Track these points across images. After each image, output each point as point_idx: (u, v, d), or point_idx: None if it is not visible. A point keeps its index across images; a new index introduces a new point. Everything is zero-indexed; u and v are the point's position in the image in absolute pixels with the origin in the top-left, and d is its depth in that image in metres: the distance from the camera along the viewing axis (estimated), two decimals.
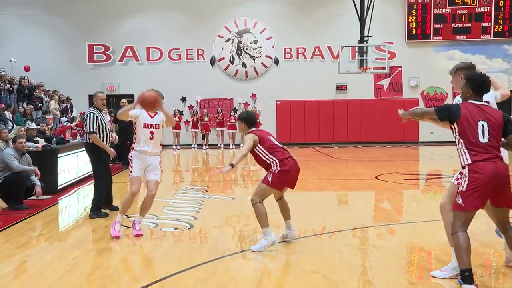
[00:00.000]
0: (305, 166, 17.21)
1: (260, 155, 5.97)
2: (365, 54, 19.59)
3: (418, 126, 22.31)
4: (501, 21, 21.95)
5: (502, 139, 4.48)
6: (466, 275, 4.20)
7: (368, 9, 19.38)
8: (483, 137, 4.42)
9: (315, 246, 6.66)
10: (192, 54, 22.38)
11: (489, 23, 22.02)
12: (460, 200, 4.35)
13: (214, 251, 5.98)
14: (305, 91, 22.17)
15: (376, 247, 6.84)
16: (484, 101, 4.55)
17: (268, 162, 5.91)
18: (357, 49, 19.70)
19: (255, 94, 22.32)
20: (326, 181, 13.54)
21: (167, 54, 22.30)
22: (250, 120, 6.32)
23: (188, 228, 7.16)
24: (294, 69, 22.50)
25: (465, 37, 22.23)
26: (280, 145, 6.10)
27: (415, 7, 22.29)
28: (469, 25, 22.14)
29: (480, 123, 4.41)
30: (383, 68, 20.09)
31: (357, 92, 22.31)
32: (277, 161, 5.85)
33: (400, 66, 21.90)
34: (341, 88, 22.50)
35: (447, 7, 22.04)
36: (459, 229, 4.35)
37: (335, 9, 22.37)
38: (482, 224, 6.20)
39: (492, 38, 22.17)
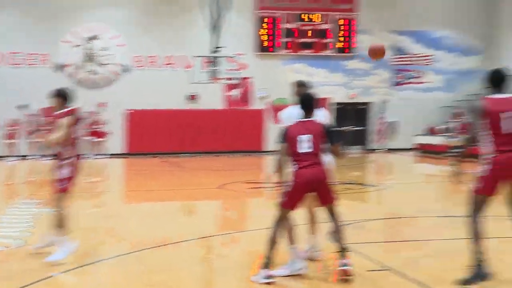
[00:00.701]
0: (151, 177, 17.52)
1: None
2: (217, 65, 20.31)
3: (262, 133, 23.81)
4: (341, 39, 24.14)
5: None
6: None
7: (220, 21, 20.26)
8: (302, 149, 5.51)
9: (160, 257, 6.87)
10: (35, 59, 21.58)
11: (331, 40, 24.10)
12: (283, 200, 5.57)
13: (47, 268, 5.87)
14: (156, 100, 22.37)
15: (221, 256, 7.26)
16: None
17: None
18: (209, 59, 20.38)
19: (104, 103, 21.92)
20: (172, 191, 14.08)
21: (5, 58, 21.26)
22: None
23: (19, 246, 6.96)
24: (145, 78, 22.68)
25: (309, 51, 24.08)
26: None
27: (266, 21, 23.60)
28: (313, 40, 24.01)
29: (301, 137, 5.52)
30: (234, 78, 21.11)
31: (208, 102, 23.07)
32: None
33: (251, 77, 23.05)
34: (192, 97, 23.10)
35: (294, 22, 23.69)
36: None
37: (188, 20, 22.94)
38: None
39: (333, 54, 24.24)
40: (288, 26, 23.75)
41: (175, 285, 5.75)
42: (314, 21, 23.89)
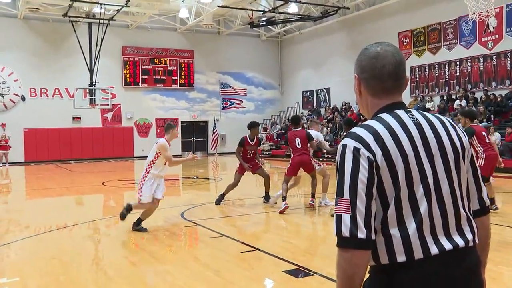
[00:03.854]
0: (47, 179, 19.41)
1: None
2: (94, 95, 26.83)
3: (133, 144, 31.20)
4: (183, 77, 32.82)
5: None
6: None
7: (95, 62, 26.57)
8: (298, 145, 10.19)
9: (58, 238, 8.12)
10: None
11: (176, 77, 32.52)
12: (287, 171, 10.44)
13: None
14: (48, 121, 28.48)
15: (105, 235, 8.63)
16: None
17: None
18: (88, 90, 26.79)
19: (4, 124, 27.84)
20: (65, 188, 16.05)
21: None
22: None
23: None
24: (38, 105, 28.42)
25: (162, 85, 32.22)
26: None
27: (128, 63, 31.18)
28: (164, 77, 32.21)
29: (296, 139, 10.27)
30: (107, 105, 27.76)
31: (89, 122, 29.62)
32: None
33: (119, 104, 30.52)
34: (76, 119, 29.39)
35: (150, 64, 31.74)
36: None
37: (70, 60, 28.82)
38: None
39: (178, 87, 32.71)
40: (145, 67, 31.57)
41: (70, 258, 6.63)
42: (164, 64, 32.11)
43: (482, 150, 9.24)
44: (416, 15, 25.31)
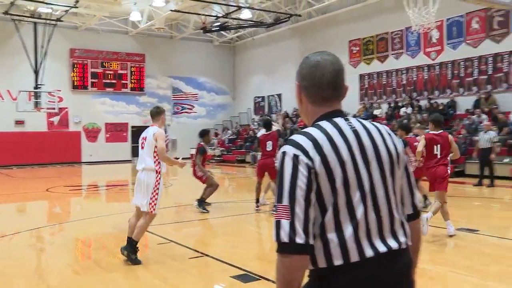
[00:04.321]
0: None
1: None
2: (39, 98, 25.94)
3: (81, 149, 30.67)
4: (134, 81, 32.57)
5: None
6: None
7: (41, 64, 25.83)
8: (268, 148, 10.65)
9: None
10: None
11: (127, 81, 32.23)
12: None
13: None
14: None
15: (50, 243, 8.32)
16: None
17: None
18: (32, 93, 25.64)
19: None
20: (5, 195, 15.41)
21: None
22: None
23: None
24: None
25: (112, 89, 31.82)
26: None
27: (77, 66, 30.66)
28: (114, 81, 31.84)
29: (267, 142, 10.63)
30: (53, 108, 26.66)
31: (33, 126, 28.68)
32: None
33: (67, 107, 29.87)
34: (19, 122, 28.35)
35: (99, 67, 31.28)
36: None
37: (13, 61, 27.74)
38: None
39: (129, 91, 32.39)
40: (94, 70, 31.06)
41: (9, 268, 6.50)
42: (114, 68, 31.72)
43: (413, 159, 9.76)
44: (366, 25, 25.99)
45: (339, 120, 2.03)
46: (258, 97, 34.27)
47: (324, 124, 2.01)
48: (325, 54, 2.11)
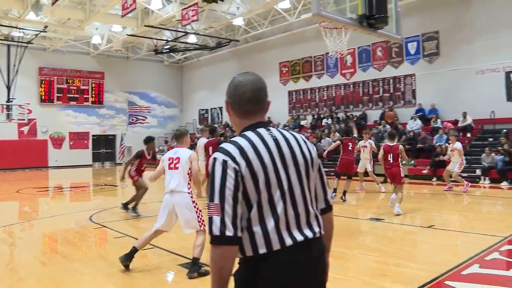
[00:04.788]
0: None
1: None
2: (11, 110, 25.40)
3: (47, 155, 29.78)
4: (94, 95, 31.99)
5: None
6: None
7: (13, 80, 25.59)
8: (210, 153, 10.38)
9: None
10: None
11: (88, 95, 31.58)
12: None
13: None
14: None
15: (19, 238, 8.23)
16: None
17: None
18: (5, 106, 25.31)
19: None
20: None
21: None
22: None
23: None
24: None
25: (75, 103, 31.19)
26: None
27: (44, 82, 29.83)
28: (77, 96, 31.24)
29: (209, 147, 10.64)
30: (24, 119, 26.38)
31: (5, 134, 27.73)
32: None
33: (35, 118, 28.98)
34: None
35: (64, 84, 30.49)
36: None
37: None
38: None
39: (90, 104, 31.80)
40: (60, 86, 30.38)
41: None
42: (77, 84, 31.12)
43: (341, 155, 11.75)
44: (293, 49, 26.42)
45: (261, 130, 2.06)
46: (203, 109, 34.09)
47: (249, 134, 2.04)
48: (248, 74, 2.13)
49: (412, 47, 21.29)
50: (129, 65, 33.48)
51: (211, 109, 33.24)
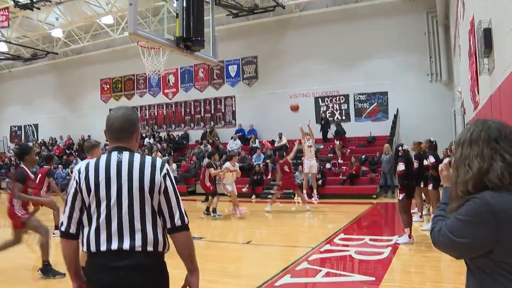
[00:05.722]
0: None
1: None
2: None
3: None
4: None
5: None
6: None
7: None
8: None
9: None
10: None
11: None
12: None
13: None
14: None
15: None
16: None
17: None
18: None
19: None
20: None
21: None
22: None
23: None
24: None
25: None
26: None
27: None
28: None
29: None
30: None
31: None
32: None
33: None
34: None
35: None
36: None
37: None
38: None
39: None
40: None
41: None
42: None
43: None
44: (116, 66, 25.54)
45: (113, 153, 2.40)
46: (15, 126, 30.73)
47: (102, 155, 2.43)
48: (121, 109, 2.52)
49: (232, 69, 22.21)
50: None
51: (25, 125, 30.20)
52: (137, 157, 2.39)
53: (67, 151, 25.53)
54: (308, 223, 11.74)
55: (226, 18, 20.20)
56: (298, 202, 15.61)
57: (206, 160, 16.02)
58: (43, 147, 26.67)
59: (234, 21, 21.27)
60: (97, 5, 20.39)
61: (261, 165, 18.23)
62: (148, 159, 2.40)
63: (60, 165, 22.49)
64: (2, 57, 26.50)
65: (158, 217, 2.35)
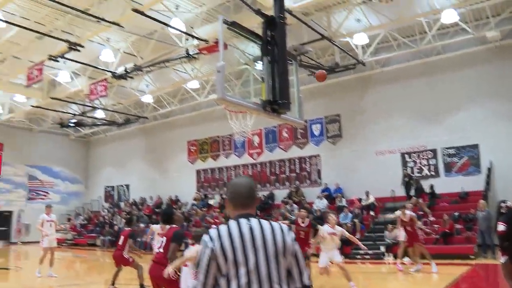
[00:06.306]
0: None
1: None
2: None
3: None
4: None
5: None
6: None
7: None
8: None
9: None
10: None
11: None
12: None
13: None
14: None
15: None
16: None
17: None
18: None
19: None
20: None
21: None
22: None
23: None
24: None
25: None
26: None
27: None
28: None
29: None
30: None
31: None
32: None
33: None
34: None
35: None
36: None
37: None
38: None
39: None
40: None
41: None
42: None
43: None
44: (201, 128, 26.29)
45: (241, 220, 2.47)
46: (109, 186, 32.29)
47: (231, 222, 2.47)
48: (243, 177, 2.79)
49: (316, 128, 21.97)
50: (31, 137, 31.09)
51: (118, 186, 31.60)
52: (264, 223, 2.50)
53: (156, 210, 26.17)
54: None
55: (307, 78, 20.21)
56: (389, 263, 14.64)
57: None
58: (133, 206, 27.56)
59: (315, 81, 21.18)
60: (184, 71, 21.33)
61: (348, 224, 17.43)
62: (276, 224, 2.53)
63: (150, 224, 22.95)
64: (99, 123, 28.27)
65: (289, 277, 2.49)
